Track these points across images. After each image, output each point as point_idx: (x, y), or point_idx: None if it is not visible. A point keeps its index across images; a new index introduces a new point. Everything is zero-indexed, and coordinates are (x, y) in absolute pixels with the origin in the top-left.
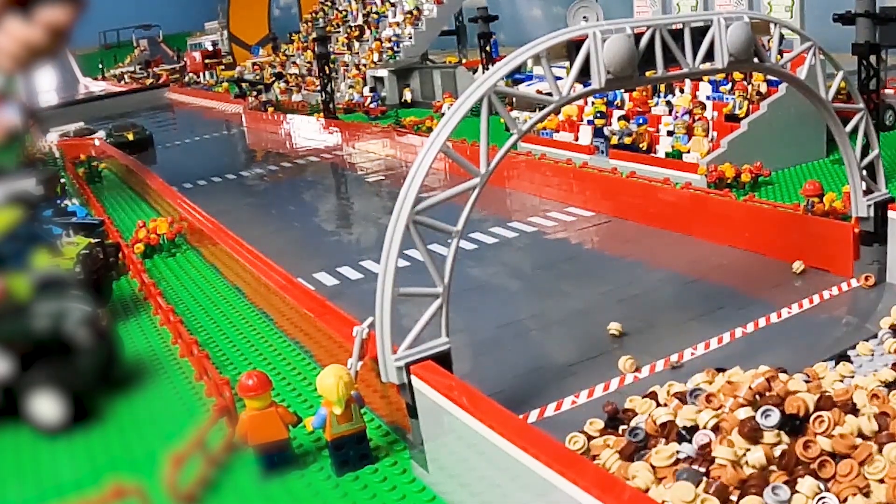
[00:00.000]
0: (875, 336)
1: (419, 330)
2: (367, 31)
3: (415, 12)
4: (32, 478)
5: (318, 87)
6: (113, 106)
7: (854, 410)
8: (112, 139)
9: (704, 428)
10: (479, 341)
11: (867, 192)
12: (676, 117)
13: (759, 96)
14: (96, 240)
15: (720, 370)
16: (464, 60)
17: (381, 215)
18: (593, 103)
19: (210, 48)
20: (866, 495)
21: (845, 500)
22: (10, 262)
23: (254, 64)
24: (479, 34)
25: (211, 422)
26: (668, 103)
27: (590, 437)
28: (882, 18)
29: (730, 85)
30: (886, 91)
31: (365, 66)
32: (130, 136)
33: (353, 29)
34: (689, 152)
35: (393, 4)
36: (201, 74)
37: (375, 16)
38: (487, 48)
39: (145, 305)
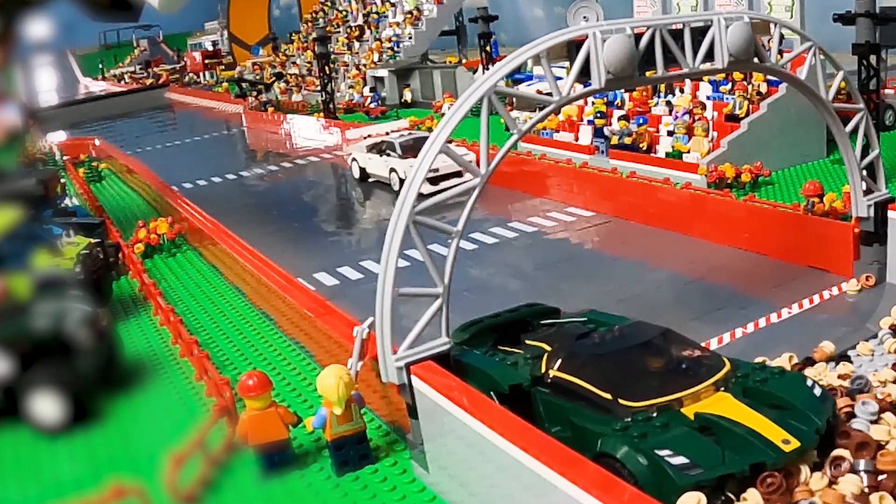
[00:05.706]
0: (875, 336)
1: (419, 330)
2: (367, 31)
3: (415, 12)
4: (32, 478)
5: (318, 87)
6: (113, 106)
7: None
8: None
9: None
10: None
11: (867, 192)
12: (676, 117)
13: (759, 96)
14: (96, 240)
15: None
16: (464, 60)
17: (381, 215)
18: (593, 103)
19: (210, 48)
20: None
21: None
22: (10, 262)
23: (254, 64)
24: (479, 34)
25: (211, 422)
26: (668, 103)
27: None
28: (882, 18)
29: (730, 85)
30: (886, 91)
31: (365, 66)
32: None
33: (353, 29)
34: (689, 152)
35: (393, 4)
36: (201, 74)
37: (375, 16)
38: (487, 48)
39: (145, 305)
